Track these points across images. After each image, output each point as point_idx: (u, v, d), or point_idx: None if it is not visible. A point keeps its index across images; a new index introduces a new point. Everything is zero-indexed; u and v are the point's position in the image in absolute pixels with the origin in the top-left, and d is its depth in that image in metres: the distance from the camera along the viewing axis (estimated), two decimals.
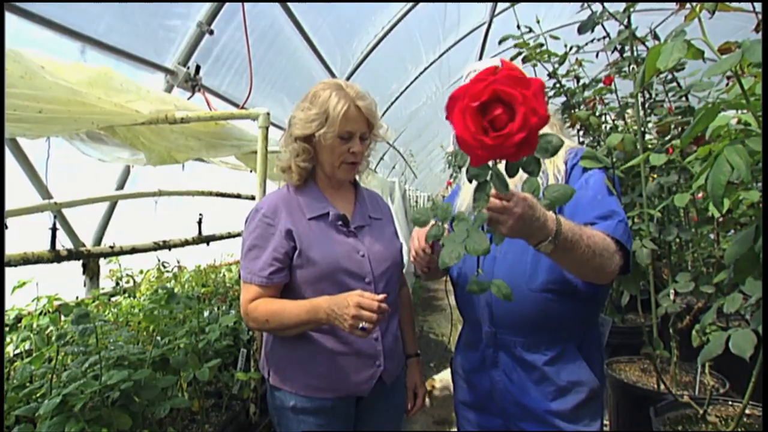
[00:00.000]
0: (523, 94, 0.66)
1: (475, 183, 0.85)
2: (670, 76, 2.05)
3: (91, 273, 2.35)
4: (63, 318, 1.59)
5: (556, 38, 2.35)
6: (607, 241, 1.08)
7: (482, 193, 0.83)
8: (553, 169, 1.26)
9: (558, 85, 2.45)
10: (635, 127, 2.00)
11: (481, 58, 4.27)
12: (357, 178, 1.53)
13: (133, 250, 2.28)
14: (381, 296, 1.16)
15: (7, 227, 1.54)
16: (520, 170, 0.90)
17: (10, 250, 1.63)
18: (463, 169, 1.29)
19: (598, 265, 1.06)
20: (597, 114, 2.34)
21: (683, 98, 2.01)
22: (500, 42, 2.33)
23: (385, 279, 1.39)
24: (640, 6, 1.96)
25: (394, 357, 1.42)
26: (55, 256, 1.80)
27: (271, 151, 1.88)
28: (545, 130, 1.27)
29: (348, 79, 4.22)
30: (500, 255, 1.26)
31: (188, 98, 2.50)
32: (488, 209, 0.86)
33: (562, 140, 0.82)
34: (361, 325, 1.13)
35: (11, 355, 1.58)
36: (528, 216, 0.89)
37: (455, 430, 1.50)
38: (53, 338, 1.36)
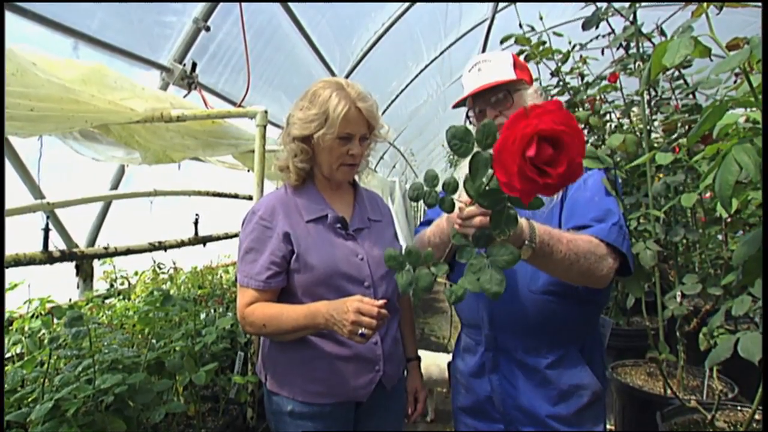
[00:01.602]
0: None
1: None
2: (676, 73, 2.04)
3: (85, 274, 2.34)
4: (56, 321, 1.58)
5: (559, 35, 2.35)
6: (593, 244, 1.09)
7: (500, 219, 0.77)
8: None
9: (562, 83, 2.45)
10: (641, 126, 2.00)
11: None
12: (356, 178, 1.52)
13: (128, 251, 2.28)
14: (381, 302, 1.16)
15: None
16: None
17: None
18: (459, 168, 1.27)
19: (585, 269, 1.06)
20: (600, 113, 2.34)
21: (690, 96, 2.01)
22: (502, 42, 2.32)
23: (385, 283, 1.39)
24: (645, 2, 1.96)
25: (394, 361, 1.41)
26: (47, 258, 1.79)
27: (269, 150, 1.88)
28: None
29: (347, 76, 4.22)
30: None
31: (184, 96, 2.50)
32: (454, 221, 0.88)
33: None
34: (360, 331, 1.13)
35: None
36: None
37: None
38: (45, 341, 1.35)
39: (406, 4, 4.08)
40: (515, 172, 0.64)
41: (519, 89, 1.29)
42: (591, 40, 2.27)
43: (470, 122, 1.42)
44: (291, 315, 1.26)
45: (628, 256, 1.13)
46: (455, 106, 1.41)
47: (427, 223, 1.41)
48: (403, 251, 0.82)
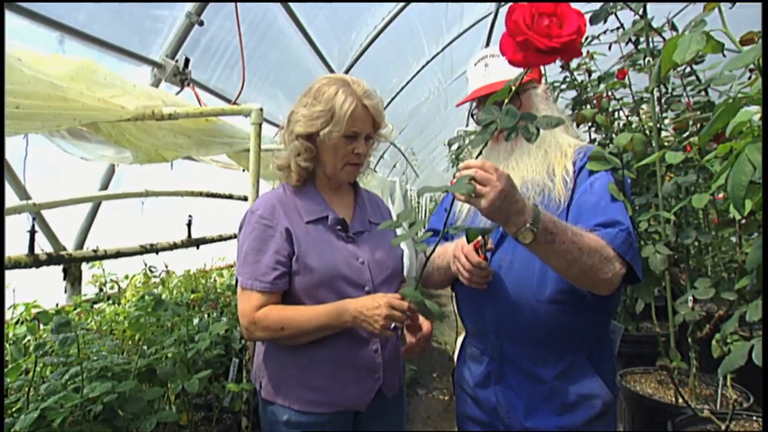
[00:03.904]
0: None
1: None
2: (688, 69, 2.03)
3: (73, 278, 2.34)
4: (42, 327, 1.58)
5: None
6: (601, 244, 1.09)
7: (485, 134, 0.94)
8: (561, 170, 1.25)
9: (569, 79, 2.45)
10: (650, 124, 1.99)
11: None
12: (357, 179, 1.52)
13: (118, 254, 2.27)
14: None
15: None
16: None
17: None
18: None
19: (587, 267, 1.06)
20: (608, 110, 2.33)
21: (702, 92, 2.00)
22: None
23: (386, 288, 1.38)
24: None
25: (395, 369, 1.41)
26: (33, 261, 1.79)
27: (265, 149, 1.88)
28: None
29: (346, 72, 4.22)
30: (506, 264, 1.25)
31: (177, 93, 2.49)
32: (473, 178, 0.95)
33: (563, 120, 0.94)
34: (393, 325, 1.18)
35: None
36: (509, 194, 0.97)
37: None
38: (31, 348, 1.35)
39: (402, 3, 4.09)
40: (529, 24, 0.82)
41: (527, 89, 1.28)
42: (599, 35, 2.27)
43: (475, 121, 1.42)
44: (313, 315, 1.26)
45: (633, 265, 1.13)
46: (461, 105, 1.41)
47: (433, 232, 1.39)
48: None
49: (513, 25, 0.84)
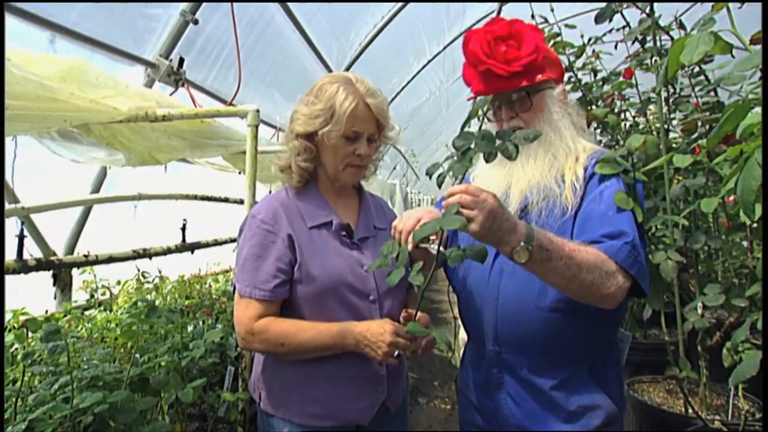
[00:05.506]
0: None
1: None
2: (696, 69, 2.03)
3: (63, 284, 2.34)
4: (30, 334, 1.57)
5: (572, 27, 2.35)
6: (601, 259, 1.08)
7: (463, 162, 0.94)
8: (571, 176, 1.24)
9: (574, 79, 2.45)
10: (658, 125, 1.99)
11: None
12: (362, 183, 1.50)
13: (110, 259, 2.27)
14: None
15: None
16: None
17: None
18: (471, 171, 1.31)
19: (588, 283, 1.05)
20: (616, 110, 2.33)
21: (711, 93, 2.00)
22: None
23: (391, 297, 1.36)
24: None
25: (399, 382, 1.40)
26: (22, 266, 1.79)
27: (261, 152, 1.88)
28: (562, 127, 1.27)
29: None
30: (507, 269, 1.24)
31: (171, 94, 2.50)
32: (460, 203, 0.96)
33: (540, 133, 0.97)
34: (396, 353, 1.19)
35: None
36: (498, 214, 0.97)
37: None
38: (19, 357, 1.35)
39: (402, 2, 4.10)
40: (487, 52, 0.86)
41: (542, 89, 1.26)
42: (605, 34, 2.27)
43: (483, 115, 1.42)
44: (315, 334, 1.24)
45: (639, 279, 1.12)
46: (471, 99, 1.41)
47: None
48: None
49: (471, 55, 0.83)
